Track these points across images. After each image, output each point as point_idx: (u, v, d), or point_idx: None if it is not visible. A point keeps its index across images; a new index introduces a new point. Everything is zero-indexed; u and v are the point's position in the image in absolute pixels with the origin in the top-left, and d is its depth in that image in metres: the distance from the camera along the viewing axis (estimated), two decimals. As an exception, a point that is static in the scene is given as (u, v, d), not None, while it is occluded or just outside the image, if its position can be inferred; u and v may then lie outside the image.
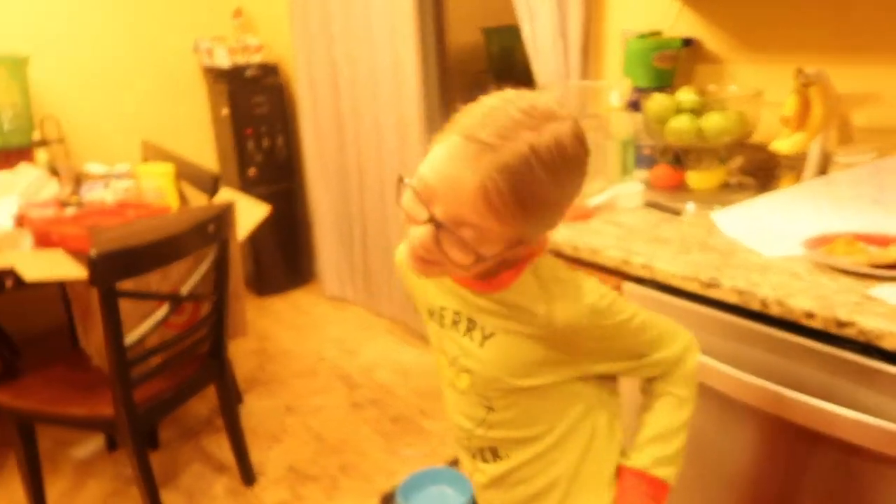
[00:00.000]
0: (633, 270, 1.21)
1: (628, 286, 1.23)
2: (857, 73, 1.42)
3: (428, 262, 0.76)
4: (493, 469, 0.91)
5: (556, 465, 0.88)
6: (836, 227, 1.22)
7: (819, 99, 1.34)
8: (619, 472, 0.90)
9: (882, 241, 1.14)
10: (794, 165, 1.52)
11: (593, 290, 0.82)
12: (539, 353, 0.82)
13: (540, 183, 0.70)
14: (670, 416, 0.88)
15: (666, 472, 0.87)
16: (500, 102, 0.73)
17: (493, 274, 0.82)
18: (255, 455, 2.24)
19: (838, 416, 0.93)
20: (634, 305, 0.86)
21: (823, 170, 1.43)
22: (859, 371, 0.94)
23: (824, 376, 0.97)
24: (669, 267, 1.15)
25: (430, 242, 0.73)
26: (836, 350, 0.96)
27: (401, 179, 0.77)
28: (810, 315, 0.96)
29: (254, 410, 2.54)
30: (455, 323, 0.87)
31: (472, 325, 0.85)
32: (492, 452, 0.90)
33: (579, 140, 0.75)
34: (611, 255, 1.25)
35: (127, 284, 1.65)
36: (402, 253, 0.88)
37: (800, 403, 0.97)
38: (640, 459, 0.88)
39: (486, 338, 0.84)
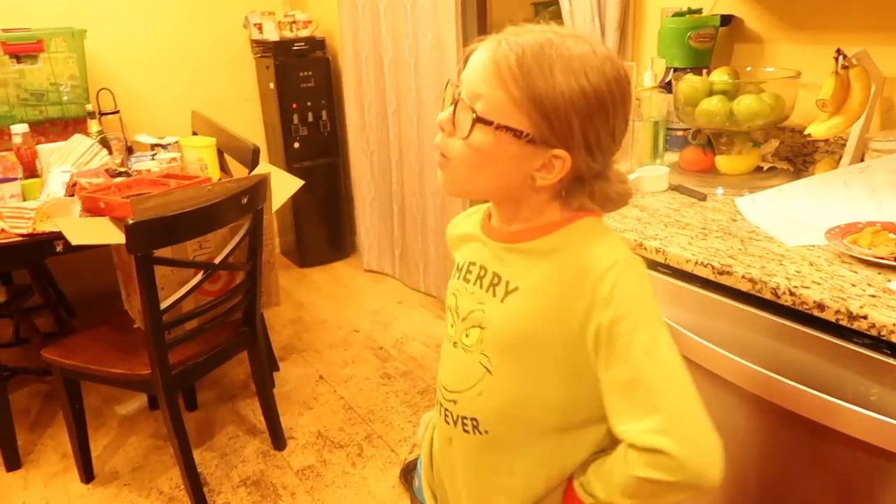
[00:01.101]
0: (647, 254, 1.19)
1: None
2: (903, 55, 1.35)
3: (442, 154, 0.78)
4: (470, 443, 0.86)
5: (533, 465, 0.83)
6: (869, 215, 1.17)
7: (859, 82, 1.28)
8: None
9: (912, 233, 1.09)
10: (832, 151, 1.46)
11: (640, 264, 0.75)
12: (545, 317, 0.77)
13: (547, 63, 0.71)
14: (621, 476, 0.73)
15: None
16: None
17: (526, 219, 0.80)
18: (287, 420, 2.31)
19: (842, 410, 0.91)
20: (674, 349, 0.71)
21: (863, 156, 1.37)
22: (867, 365, 0.91)
23: (832, 368, 0.95)
24: (683, 252, 1.13)
25: (446, 118, 0.76)
26: (845, 343, 0.93)
27: (447, 83, 0.81)
28: (821, 306, 0.94)
29: (288, 377, 2.62)
30: (480, 277, 0.84)
31: (496, 280, 0.82)
32: (473, 423, 0.84)
33: (614, 69, 0.73)
34: (627, 237, 1.23)
35: (164, 252, 1.72)
36: (452, 221, 0.96)
37: (804, 395, 0.95)
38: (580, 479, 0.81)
39: (508, 293, 0.80)
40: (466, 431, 0.85)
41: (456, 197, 0.88)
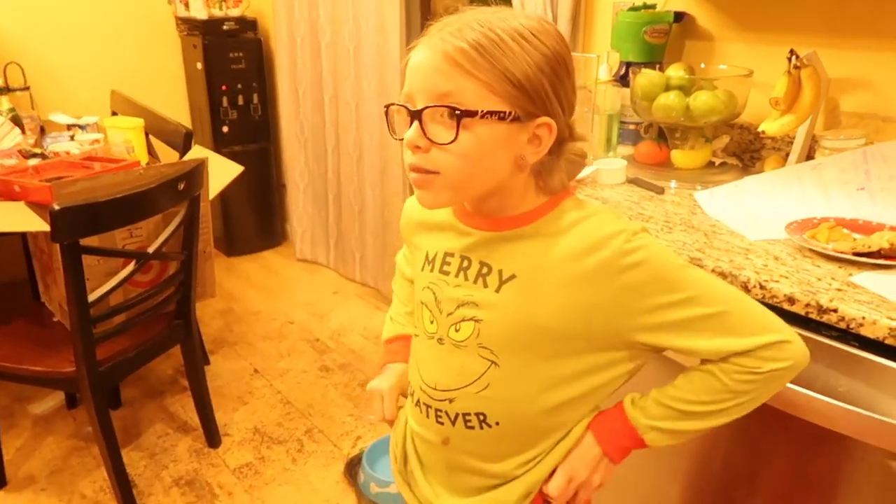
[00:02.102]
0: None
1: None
2: (848, 57, 1.41)
3: (426, 172, 0.74)
4: (479, 438, 0.82)
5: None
6: (820, 212, 1.21)
7: (810, 82, 1.32)
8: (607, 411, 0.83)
9: (865, 229, 1.13)
10: (779, 148, 1.51)
11: (633, 226, 0.75)
12: (564, 297, 0.74)
13: (500, 40, 0.70)
14: (703, 395, 0.77)
15: (654, 438, 0.80)
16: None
17: (513, 207, 0.78)
18: (220, 417, 2.21)
19: (811, 400, 0.93)
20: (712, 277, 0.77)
21: (809, 153, 1.43)
22: (836, 357, 0.94)
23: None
24: (652, 245, 1.14)
25: (416, 136, 0.72)
26: (814, 335, 0.96)
27: (386, 108, 0.77)
28: (792, 300, 0.96)
29: (220, 372, 2.51)
30: (463, 269, 0.81)
31: (485, 270, 0.79)
32: (480, 418, 0.81)
33: (553, 29, 0.74)
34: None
35: (91, 240, 1.59)
36: (407, 205, 0.91)
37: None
38: (640, 416, 0.80)
39: (504, 282, 0.77)
40: (471, 428, 0.82)
41: (443, 208, 0.84)
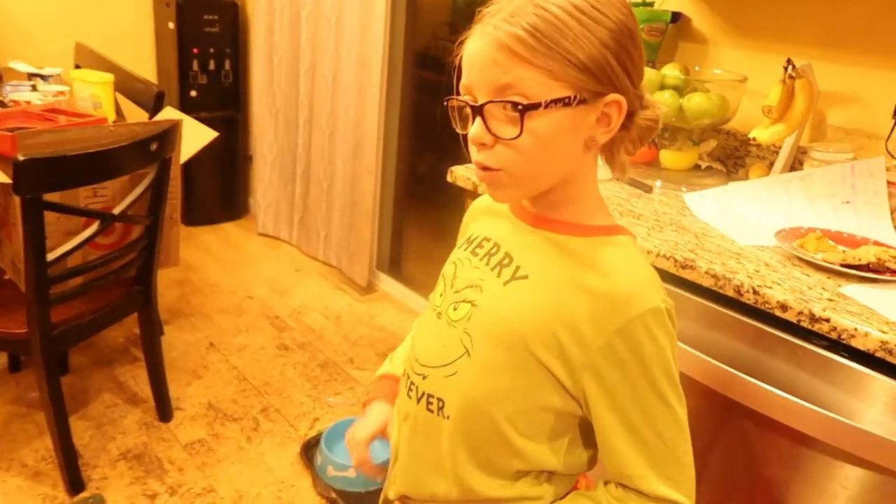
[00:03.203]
0: (607, 242, 1.18)
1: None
2: (839, 70, 1.43)
3: (492, 171, 0.70)
4: (432, 424, 0.79)
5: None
6: (807, 221, 1.23)
7: (804, 93, 1.33)
8: None
9: (850, 242, 1.15)
10: (764, 156, 1.53)
11: (666, 302, 0.70)
12: (558, 322, 0.70)
13: (557, 19, 0.65)
14: None
15: None
16: None
17: (573, 212, 0.74)
18: (173, 390, 2.14)
19: (798, 408, 0.94)
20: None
21: (794, 164, 1.44)
22: (823, 366, 0.95)
23: (788, 367, 0.98)
24: (645, 243, 1.13)
25: (481, 132, 0.68)
26: (803, 343, 0.96)
27: (446, 101, 0.72)
28: (784, 307, 0.96)
29: (175, 343, 2.43)
30: (489, 254, 0.78)
31: (506, 261, 0.76)
32: (439, 404, 0.77)
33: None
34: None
35: (53, 196, 1.50)
36: (478, 200, 0.89)
37: (761, 391, 0.98)
38: None
39: (515, 278, 0.74)
40: (430, 411, 0.78)
41: (514, 202, 0.80)
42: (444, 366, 0.77)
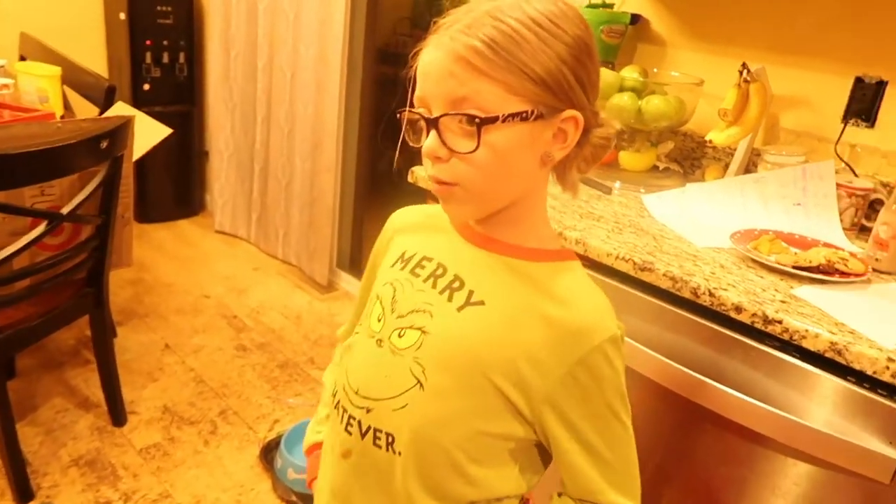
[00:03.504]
0: (568, 245, 1.19)
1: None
2: (791, 75, 1.46)
3: (447, 184, 0.68)
4: (380, 461, 0.74)
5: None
6: (760, 223, 1.25)
7: (758, 96, 1.36)
8: None
9: (801, 244, 1.18)
10: (719, 158, 1.56)
11: (620, 326, 0.70)
12: (518, 350, 0.69)
13: (515, 32, 0.64)
14: None
15: None
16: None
17: (522, 233, 0.73)
18: (127, 393, 2.08)
19: (752, 408, 0.96)
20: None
21: (748, 166, 1.48)
22: (776, 366, 0.97)
23: (742, 367, 1.00)
24: (604, 245, 1.14)
25: (436, 146, 0.66)
26: (757, 344, 0.99)
27: (399, 113, 0.70)
28: (739, 308, 0.98)
29: (128, 345, 2.36)
30: (435, 276, 0.74)
31: (457, 285, 0.72)
32: (388, 440, 0.72)
33: (571, 9, 0.67)
34: (544, 225, 1.22)
35: (-3, 195, 1.45)
36: (404, 213, 0.86)
37: (717, 392, 0.99)
38: None
39: (470, 304, 0.71)
40: (378, 447, 0.73)
41: (471, 219, 0.75)
42: (392, 398, 0.72)
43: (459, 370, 0.70)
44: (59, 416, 2.00)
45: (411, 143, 0.71)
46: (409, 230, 0.83)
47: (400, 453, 0.72)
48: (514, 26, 0.64)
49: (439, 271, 0.74)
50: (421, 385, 0.71)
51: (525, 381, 0.69)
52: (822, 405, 0.94)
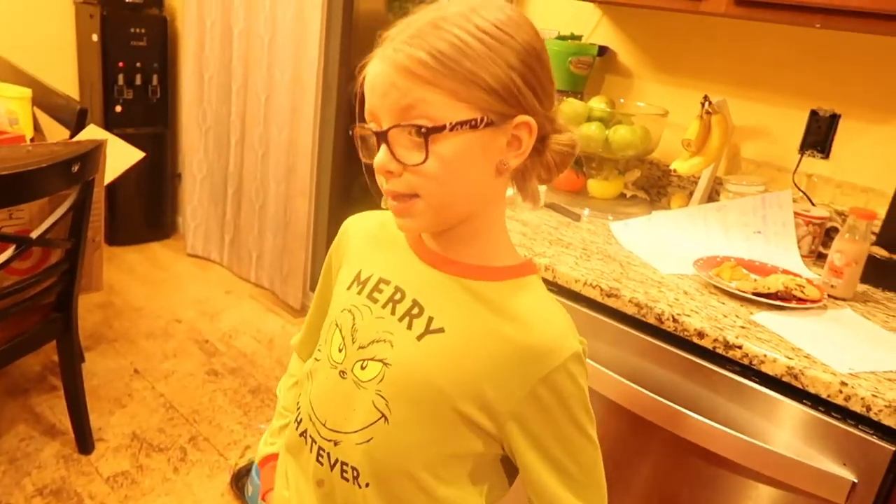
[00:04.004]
0: (536, 271, 1.21)
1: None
2: (751, 107, 1.52)
3: (404, 197, 0.67)
4: (351, 495, 0.73)
5: None
6: (722, 250, 1.30)
7: (719, 127, 1.41)
8: None
9: (761, 270, 1.22)
10: (685, 186, 1.61)
11: (581, 341, 0.70)
12: (480, 375, 0.68)
13: (461, 41, 0.63)
14: None
15: None
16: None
17: (479, 251, 0.72)
18: (95, 420, 2.05)
19: (714, 431, 0.99)
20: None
21: (711, 194, 1.52)
22: (737, 390, 1.00)
23: (705, 391, 1.03)
24: (572, 272, 1.17)
25: (386, 160, 0.65)
26: (718, 369, 1.02)
27: (351, 130, 0.70)
28: (701, 334, 1.01)
29: (96, 370, 2.33)
30: (393, 301, 0.72)
31: (416, 311, 0.71)
32: (353, 473, 0.72)
33: (521, 16, 0.67)
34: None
35: (-36, 219, 1.43)
36: (353, 222, 0.84)
37: (680, 416, 1.02)
38: None
39: (429, 332, 0.70)
40: (345, 480, 0.72)
41: (428, 233, 0.74)
42: (357, 432, 0.71)
43: (423, 401, 0.69)
44: (23, 444, 1.96)
45: (364, 160, 0.69)
46: (364, 241, 0.81)
47: (368, 485, 0.71)
48: (460, 35, 0.63)
49: (397, 296, 0.73)
50: (385, 419, 0.70)
51: (489, 404, 0.68)
52: (781, 428, 0.97)
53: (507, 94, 0.64)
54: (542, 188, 1.52)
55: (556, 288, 1.20)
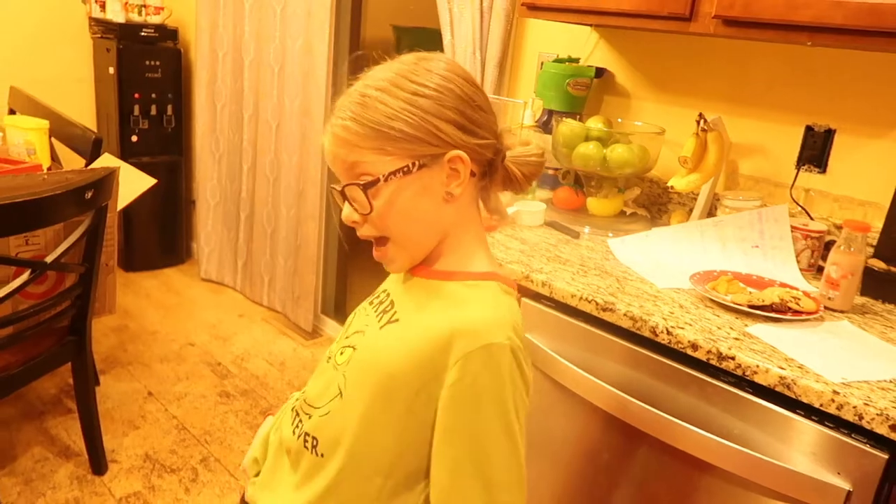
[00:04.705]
0: (534, 287, 1.23)
1: (527, 303, 1.25)
2: (747, 124, 1.54)
3: (377, 241, 0.79)
4: (304, 460, 0.82)
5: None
6: (719, 265, 1.31)
7: (715, 144, 1.43)
8: None
9: (759, 284, 1.23)
10: (684, 203, 1.62)
11: (520, 341, 0.74)
12: (414, 361, 0.74)
13: (375, 99, 0.73)
14: None
15: None
16: None
17: (457, 260, 0.80)
18: (108, 441, 2.08)
19: (709, 442, 1.00)
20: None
21: (711, 210, 1.54)
22: (732, 401, 1.01)
23: (700, 403, 1.04)
24: (569, 287, 1.19)
25: (348, 212, 0.78)
26: (712, 380, 1.02)
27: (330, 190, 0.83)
28: (695, 346, 1.03)
29: (110, 393, 2.36)
30: (381, 302, 0.85)
31: (389, 307, 0.83)
32: (313, 443, 0.81)
33: (441, 63, 0.76)
34: (514, 268, 1.27)
35: (-18, 245, 1.48)
36: None
37: (676, 427, 1.03)
38: None
39: (390, 322, 0.80)
40: (307, 448, 0.82)
41: (412, 265, 0.83)
42: (321, 406, 0.82)
43: (370, 380, 0.77)
44: (38, 465, 1.99)
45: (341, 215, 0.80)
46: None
47: (322, 455, 0.79)
48: (374, 95, 0.74)
49: (384, 298, 0.85)
50: (341, 395, 0.79)
51: (427, 388, 0.73)
52: (775, 438, 0.97)
53: (430, 137, 0.73)
54: (542, 207, 1.55)
55: (552, 303, 1.22)
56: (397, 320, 0.79)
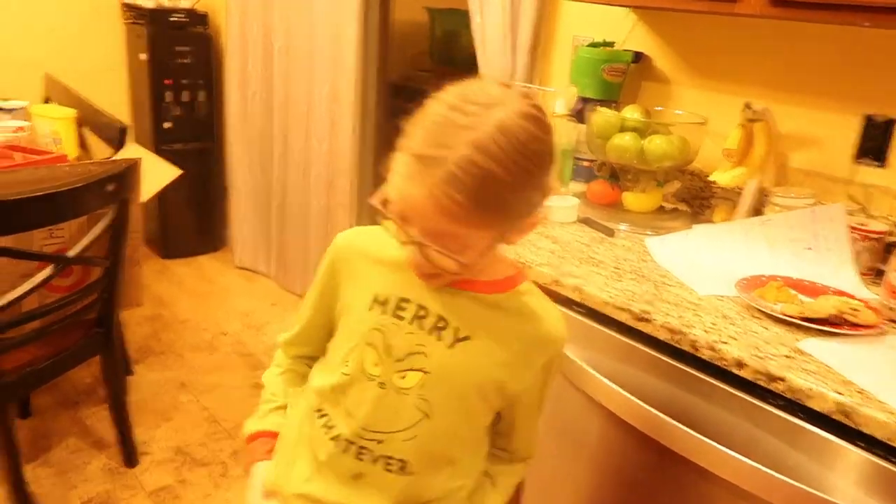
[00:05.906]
0: (564, 292, 1.16)
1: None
2: (800, 113, 1.42)
3: (431, 275, 0.78)
4: (394, 482, 0.84)
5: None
6: (766, 268, 1.21)
7: (763, 136, 1.32)
8: None
9: (811, 291, 1.13)
10: (729, 198, 1.51)
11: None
12: (503, 369, 0.83)
13: (493, 178, 0.68)
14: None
15: None
16: (439, 107, 0.72)
17: (480, 270, 0.81)
18: (140, 433, 2.08)
19: (758, 474, 0.91)
20: None
21: (758, 207, 1.43)
22: (783, 428, 0.92)
23: (743, 423, 0.95)
24: (601, 293, 1.11)
25: (420, 260, 0.75)
26: (761, 403, 0.94)
27: (378, 203, 0.77)
28: (741, 364, 0.94)
29: (143, 383, 2.37)
30: (419, 317, 0.82)
31: (442, 324, 0.81)
32: (399, 465, 0.83)
33: (530, 118, 0.71)
34: (543, 271, 1.19)
35: (6, 239, 1.47)
36: (349, 235, 0.91)
37: (719, 455, 0.95)
38: None
39: (458, 340, 0.81)
40: (389, 471, 0.83)
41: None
42: (401, 431, 0.82)
43: (457, 398, 0.82)
44: (72, 456, 2.00)
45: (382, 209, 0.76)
46: (369, 264, 0.87)
47: (413, 474, 0.83)
48: (493, 171, 0.68)
49: (421, 313, 0.82)
50: (428, 416, 0.82)
51: (506, 388, 0.84)
52: (833, 472, 0.88)
53: (531, 208, 0.74)
54: (575, 202, 1.46)
55: (584, 309, 1.14)
56: (468, 337, 0.81)
